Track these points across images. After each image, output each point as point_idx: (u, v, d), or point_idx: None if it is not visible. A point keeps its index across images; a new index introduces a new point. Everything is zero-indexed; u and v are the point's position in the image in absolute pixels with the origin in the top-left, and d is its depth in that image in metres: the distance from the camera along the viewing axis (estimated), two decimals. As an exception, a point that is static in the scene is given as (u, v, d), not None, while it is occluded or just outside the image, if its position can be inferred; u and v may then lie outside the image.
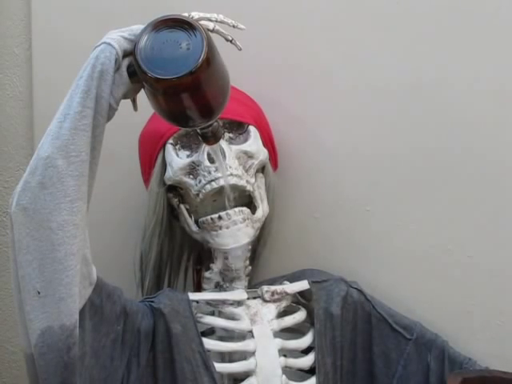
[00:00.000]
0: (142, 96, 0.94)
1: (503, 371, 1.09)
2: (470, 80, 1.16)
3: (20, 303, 0.90)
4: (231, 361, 1.09)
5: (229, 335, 1.11)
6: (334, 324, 1.14)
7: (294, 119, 1.27)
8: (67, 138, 0.87)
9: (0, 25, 1.49)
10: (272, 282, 1.19)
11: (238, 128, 1.17)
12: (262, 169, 1.19)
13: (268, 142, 1.20)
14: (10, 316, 1.54)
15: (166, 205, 1.17)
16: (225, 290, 1.14)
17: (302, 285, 1.15)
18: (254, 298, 1.13)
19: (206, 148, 1.11)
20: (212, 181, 1.10)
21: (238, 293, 1.12)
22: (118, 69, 0.90)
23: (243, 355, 1.09)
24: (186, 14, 0.93)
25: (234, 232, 1.10)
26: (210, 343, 1.07)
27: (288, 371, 1.09)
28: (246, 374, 1.07)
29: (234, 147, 1.13)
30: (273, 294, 1.12)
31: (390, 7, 1.20)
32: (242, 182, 1.12)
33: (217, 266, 1.14)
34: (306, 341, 1.12)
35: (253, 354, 1.07)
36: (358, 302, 1.17)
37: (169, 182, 1.15)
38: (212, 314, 1.12)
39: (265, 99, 1.23)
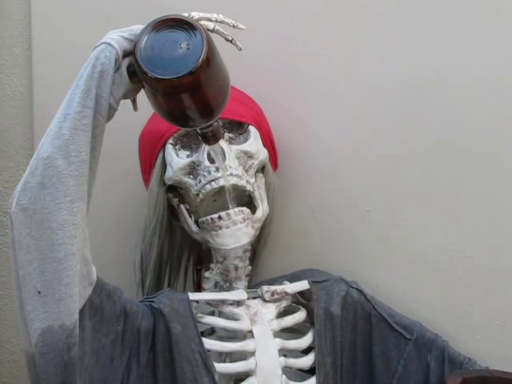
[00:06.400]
0: (142, 96, 0.94)
1: (503, 371, 1.09)
2: (471, 80, 1.16)
3: (21, 303, 0.90)
4: (231, 361, 1.09)
5: (229, 335, 1.11)
6: (333, 324, 1.14)
7: (294, 119, 1.27)
8: (67, 138, 0.88)
9: (0, 25, 1.49)
10: (272, 282, 1.19)
11: (238, 128, 1.17)
12: (262, 169, 1.19)
13: (268, 142, 1.20)
14: (10, 316, 1.54)
15: (166, 205, 1.17)
16: (225, 290, 1.14)
17: (302, 285, 1.15)
18: (254, 298, 1.13)
19: (206, 148, 1.11)
20: (212, 181, 1.10)
21: (238, 293, 1.12)
22: (117, 69, 0.90)
23: (243, 355, 1.09)
24: (186, 14, 0.93)
25: (234, 232, 1.10)
26: (209, 343, 1.07)
27: (288, 371, 1.09)
28: (246, 374, 1.07)
29: (234, 147, 1.13)
30: (273, 293, 1.12)
31: (390, 7, 1.20)
32: (242, 182, 1.12)
33: (217, 266, 1.14)
34: (305, 341, 1.12)
35: (253, 354, 1.07)
36: (357, 302, 1.17)
37: (169, 182, 1.15)
38: (212, 313, 1.12)
39: (265, 99, 1.23)
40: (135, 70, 0.89)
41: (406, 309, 1.19)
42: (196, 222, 1.15)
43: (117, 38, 0.90)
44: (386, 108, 1.22)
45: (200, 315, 1.09)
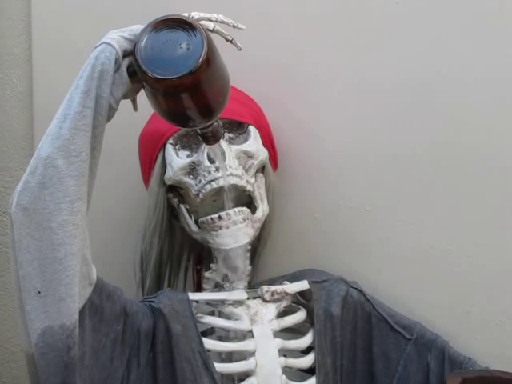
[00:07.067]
0: (142, 96, 0.94)
1: (503, 371, 1.09)
2: (471, 80, 1.16)
3: (21, 303, 0.90)
4: (231, 361, 1.09)
5: (229, 335, 1.11)
6: (333, 324, 1.14)
7: (294, 119, 1.27)
8: (67, 138, 0.88)
9: (0, 25, 1.49)
10: (272, 282, 1.19)
11: (238, 128, 1.17)
12: (262, 169, 1.19)
13: (268, 142, 1.20)
14: (10, 316, 1.54)
15: (166, 205, 1.17)
16: (225, 290, 1.14)
17: (302, 285, 1.15)
18: (254, 298, 1.13)
19: (205, 148, 1.11)
20: (212, 181, 1.10)
21: (238, 293, 1.12)
22: (117, 69, 0.90)
23: (243, 355, 1.09)
24: (186, 14, 0.93)
25: (234, 232, 1.10)
26: (209, 343, 1.07)
27: (288, 371, 1.09)
28: (246, 374, 1.07)
29: (234, 147, 1.13)
30: (273, 294, 1.12)
31: (390, 7, 1.20)
32: (242, 182, 1.12)
33: (217, 266, 1.14)
34: (306, 341, 1.12)
35: (253, 353, 1.07)
36: (357, 301, 1.17)
37: (169, 182, 1.15)
38: (212, 314, 1.12)
39: (265, 99, 1.23)
40: (135, 70, 0.89)
41: (406, 309, 1.19)
42: (196, 221, 1.15)
43: (117, 37, 0.90)
44: (386, 108, 1.22)
45: (200, 315, 1.09)
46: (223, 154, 1.10)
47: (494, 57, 1.14)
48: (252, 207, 1.15)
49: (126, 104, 0.95)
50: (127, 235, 1.33)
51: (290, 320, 1.12)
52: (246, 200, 1.16)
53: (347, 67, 1.23)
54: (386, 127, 1.22)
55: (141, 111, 1.00)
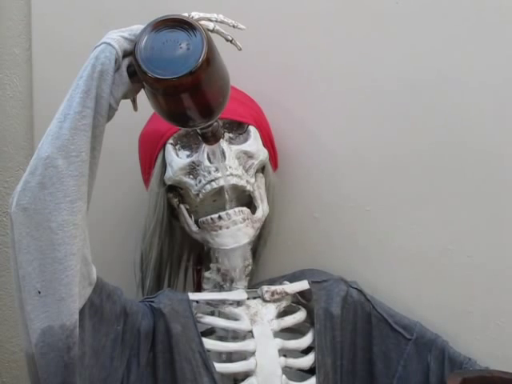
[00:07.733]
0: (142, 96, 0.94)
1: (503, 371, 1.09)
2: (471, 80, 1.16)
3: (21, 303, 0.90)
4: (231, 361, 1.09)
5: (229, 335, 1.11)
6: (333, 324, 1.14)
7: (294, 119, 1.27)
8: (67, 138, 0.88)
9: (0, 25, 1.49)
10: (272, 282, 1.19)
11: (238, 128, 1.17)
12: (262, 169, 1.19)
13: (268, 141, 1.20)
14: (10, 316, 1.54)
15: (166, 205, 1.17)
16: (225, 290, 1.14)
17: (302, 285, 1.15)
18: (254, 298, 1.13)
19: (206, 148, 1.11)
20: (212, 181, 1.10)
21: (238, 293, 1.12)
22: (117, 69, 0.90)
23: (243, 355, 1.09)
24: (186, 14, 0.93)
25: (234, 232, 1.10)
26: (209, 343, 1.07)
27: (288, 371, 1.09)
28: (246, 374, 1.07)
29: (234, 147, 1.13)
30: (273, 294, 1.12)
31: (390, 7, 1.20)
32: (242, 182, 1.12)
33: (217, 266, 1.14)
34: (306, 341, 1.12)
35: (253, 354, 1.07)
36: (357, 301, 1.17)
37: (169, 182, 1.15)
38: (212, 314, 1.12)
39: (265, 99, 1.23)
40: (135, 70, 0.89)
41: (406, 309, 1.19)
42: (196, 221, 1.15)
43: (117, 37, 0.90)
44: (386, 108, 1.22)
45: (200, 315, 1.09)
46: (223, 154, 1.10)
47: (494, 57, 1.14)
48: (252, 207, 1.15)
49: (126, 104, 0.95)
50: (127, 235, 1.33)
51: (290, 320, 1.12)
52: (246, 200, 1.16)
53: (347, 67, 1.23)
54: (386, 127, 1.22)
55: (141, 111, 1.00)
